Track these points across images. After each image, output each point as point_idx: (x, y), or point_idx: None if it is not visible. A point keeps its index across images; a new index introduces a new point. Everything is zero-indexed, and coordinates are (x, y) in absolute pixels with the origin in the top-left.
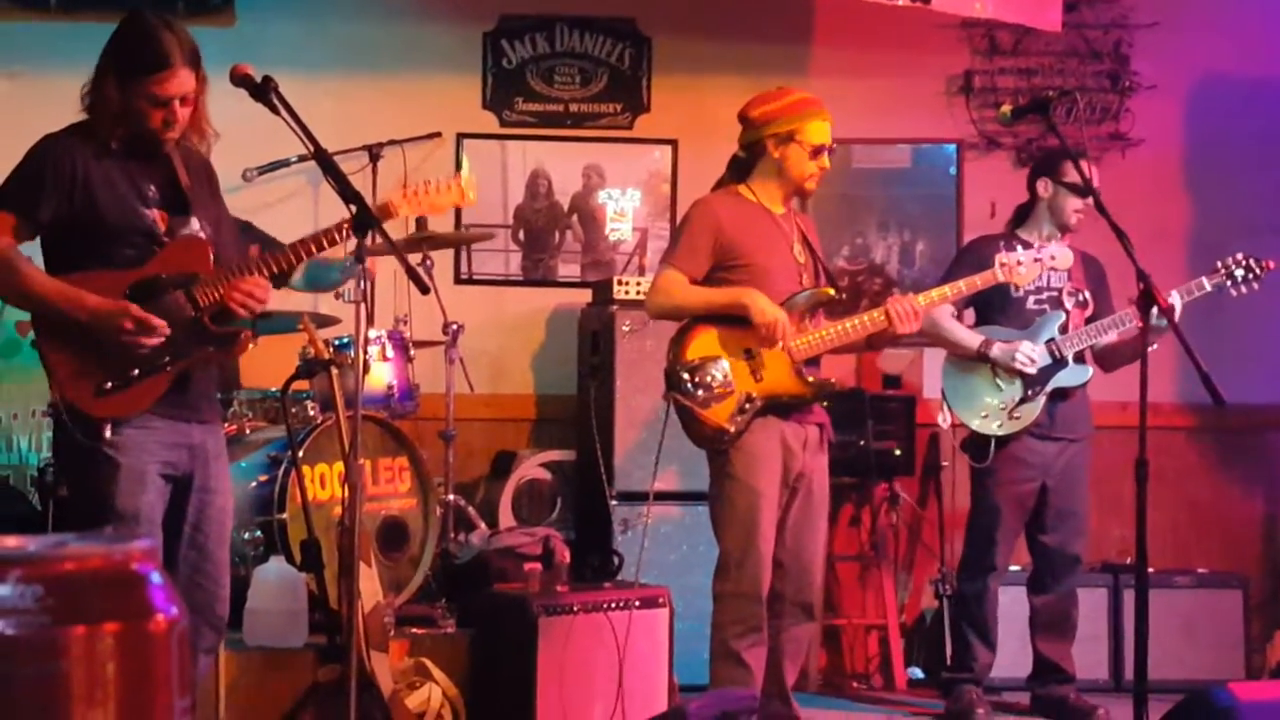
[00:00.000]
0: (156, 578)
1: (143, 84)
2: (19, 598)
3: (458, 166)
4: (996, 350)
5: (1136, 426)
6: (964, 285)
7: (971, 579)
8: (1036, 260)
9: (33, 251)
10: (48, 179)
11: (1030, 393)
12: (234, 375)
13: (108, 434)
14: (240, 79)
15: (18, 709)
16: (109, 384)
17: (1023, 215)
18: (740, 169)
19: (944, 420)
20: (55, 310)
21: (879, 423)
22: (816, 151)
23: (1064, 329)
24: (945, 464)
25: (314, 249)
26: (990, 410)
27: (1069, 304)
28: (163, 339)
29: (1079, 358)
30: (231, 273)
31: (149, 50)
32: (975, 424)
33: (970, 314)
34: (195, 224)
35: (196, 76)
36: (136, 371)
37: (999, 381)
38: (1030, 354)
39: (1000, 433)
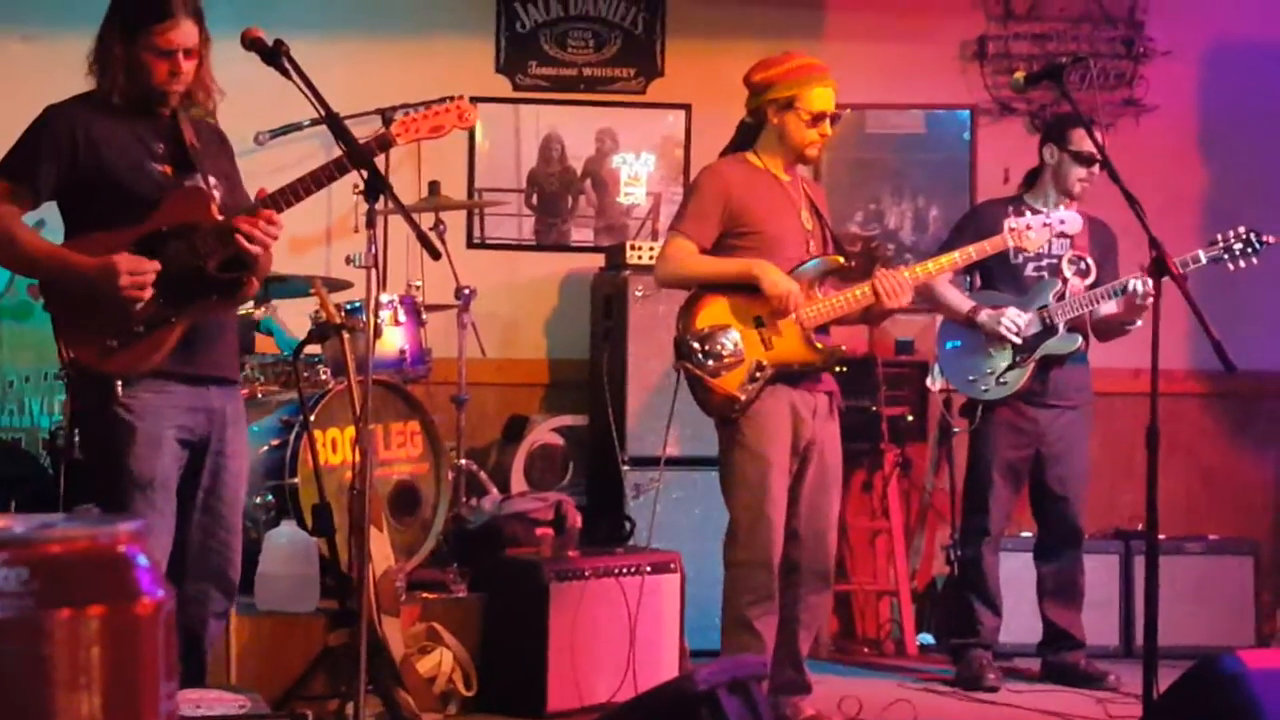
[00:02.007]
0: (143, 560)
1: (146, 35)
2: (3, 580)
3: (470, 131)
4: (983, 316)
5: (1148, 393)
6: (973, 251)
7: (967, 544)
8: (1046, 225)
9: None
10: (45, 147)
11: (1019, 359)
12: (248, 338)
13: (119, 391)
14: (252, 43)
15: (1, 693)
16: (113, 341)
17: (1031, 180)
18: (747, 135)
19: (933, 382)
20: (51, 272)
21: (891, 388)
22: (817, 119)
23: (1060, 296)
24: (957, 430)
25: (313, 187)
26: (978, 375)
27: (1068, 271)
28: (154, 278)
29: (1074, 325)
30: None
31: (151, 1)
32: (964, 388)
33: (979, 280)
34: (206, 180)
35: (200, 31)
36: (141, 328)
37: (990, 348)
38: (1016, 320)
39: (987, 398)
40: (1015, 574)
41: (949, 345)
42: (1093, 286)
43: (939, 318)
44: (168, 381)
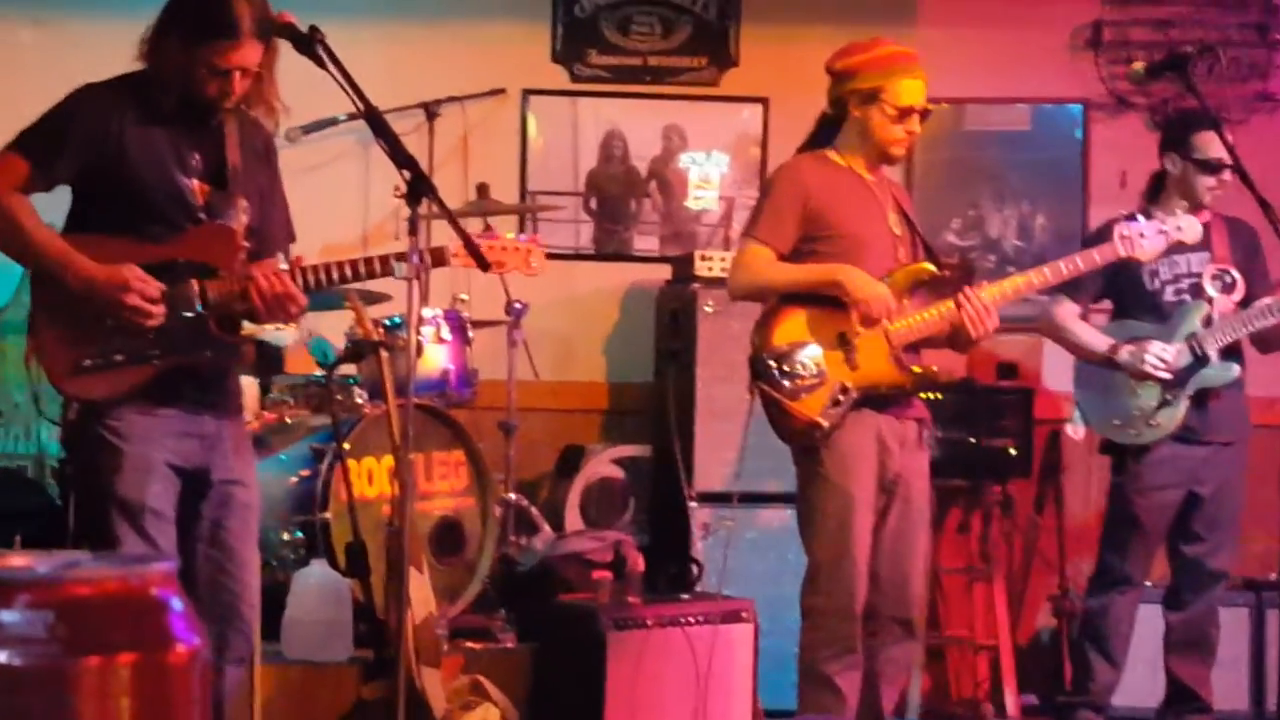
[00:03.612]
0: (177, 604)
1: (206, 51)
2: (27, 625)
3: (523, 127)
4: (1124, 354)
5: None
6: (1080, 262)
7: (1099, 591)
8: (1161, 232)
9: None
10: (72, 132)
11: (1169, 396)
12: (277, 359)
13: (72, 415)
14: (283, 29)
15: None
16: (87, 361)
17: (1156, 189)
18: (827, 129)
19: (1075, 430)
20: (51, 270)
21: (992, 417)
22: (904, 114)
23: (1207, 321)
24: (1068, 466)
25: (350, 276)
26: (1126, 418)
27: (1213, 289)
28: (158, 321)
29: (1228, 351)
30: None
31: (218, 16)
32: (1111, 434)
33: (1107, 309)
34: (238, 203)
35: (265, 48)
36: (120, 356)
37: (1135, 385)
38: (1162, 355)
39: (1139, 442)
40: (1136, 627)
41: (1087, 387)
42: (1244, 302)
43: (1041, 339)
44: (158, 405)
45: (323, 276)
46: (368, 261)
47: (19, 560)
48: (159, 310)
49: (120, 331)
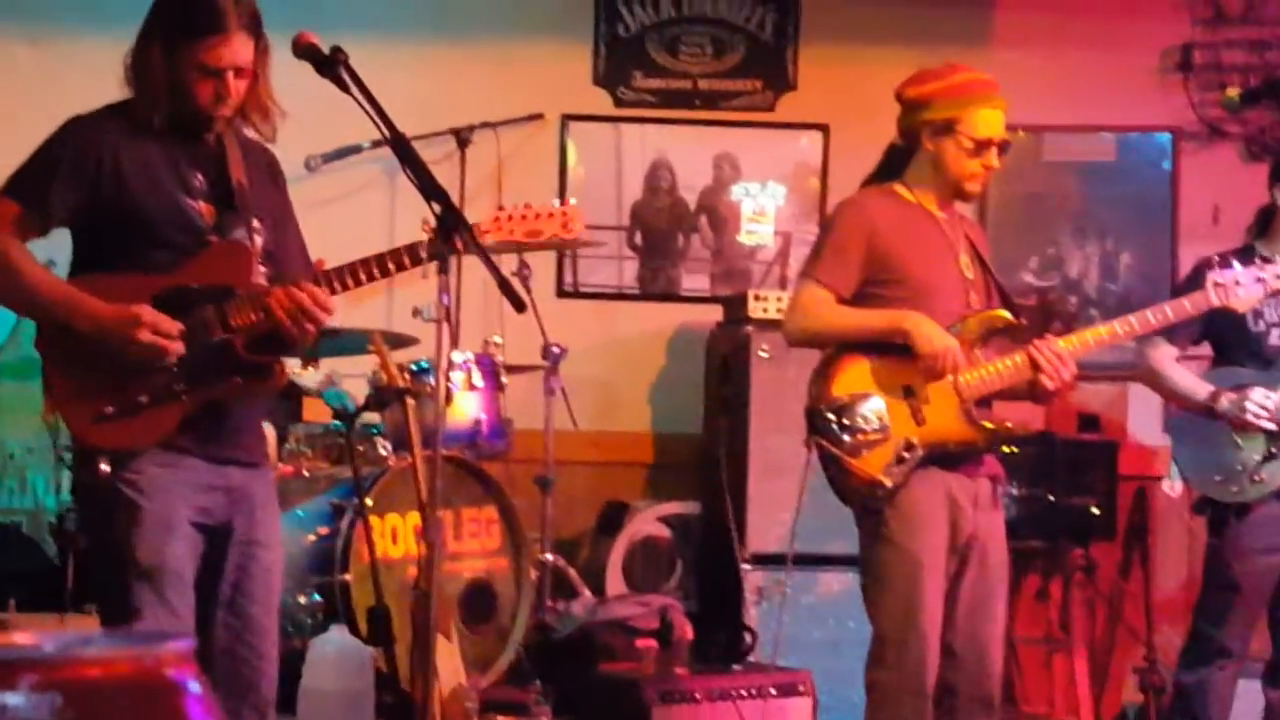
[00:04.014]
0: (194, 686)
1: (192, 50)
2: (32, 709)
3: (562, 155)
4: (1224, 402)
5: None
6: (1169, 311)
7: (1193, 665)
8: (1259, 280)
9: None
10: (64, 166)
11: (1275, 449)
12: (293, 402)
13: (104, 468)
14: (304, 49)
15: None
16: (109, 408)
17: (1264, 225)
18: (896, 161)
19: (1172, 486)
20: (57, 317)
21: (1073, 474)
22: (981, 146)
23: None
24: (1156, 526)
25: (377, 272)
26: (1227, 473)
27: None
28: (178, 354)
29: None
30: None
31: (200, 11)
32: (1211, 490)
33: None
34: (250, 223)
35: (256, 45)
36: (144, 398)
37: (1238, 437)
38: (1264, 404)
39: (1241, 499)
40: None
41: (1185, 439)
42: None
43: (1132, 386)
44: (180, 455)
45: (348, 278)
46: (394, 254)
47: (24, 637)
48: (176, 345)
49: (140, 371)
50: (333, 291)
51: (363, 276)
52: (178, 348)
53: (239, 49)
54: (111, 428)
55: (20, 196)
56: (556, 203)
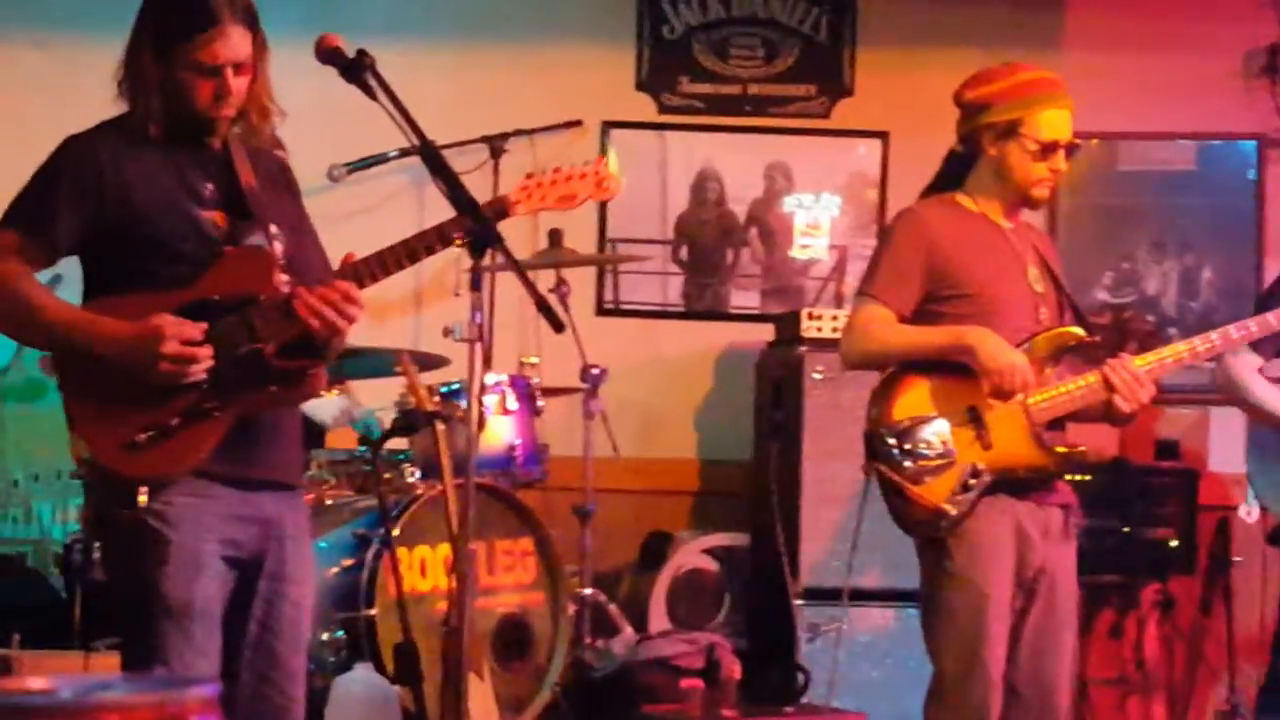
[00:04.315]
0: None
1: (185, 49)
2: None
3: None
4: None
5: None
6: (1252, 327)
7: (1274, 708)
8: None
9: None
10: (64, 191)
11: None
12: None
13: (142, 499)
14: (328, 53)
15: None
16: (140, 435)
17: None
18: (957, 169)
19: (1249, 513)
20: (73, 344)
21: (1149, 504)
22: (1046, 149)
23: None
24: (1238, 559)
25: (406, 260)
26: None
27: None
28: (208, 363)
29: None
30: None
31: (190, 6)
32: None
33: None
34: (267, 229)
35: (253, 38)
36: (176, 420)
37: None
38: None
39: None
40: None
41: (1265, 460)
42: None
43: (1214, 410)
44: (210, 483)
45: (376, 269)
46: (422, 237)
47: (40, 683)
48: (204, 353)
49: (168, 392)
50: (360, 285)
51: (391, 265)
52: (206, 354)
53: (235, 43)
54: (145, 455)
55: (21, 226)
56: (588, 162)
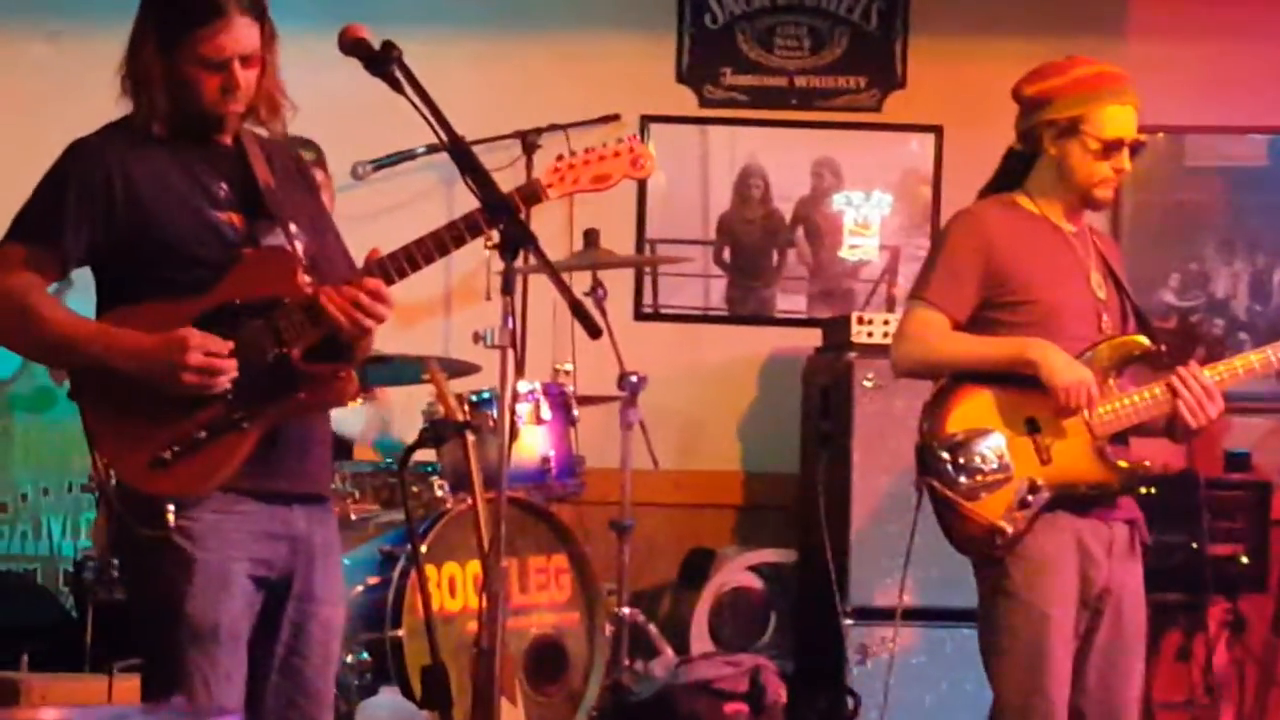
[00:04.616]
0: None
1: (189, 43)
2: None
3: (640, 184)
4: None
5: None
6: None
7: None
8: None
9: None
10: (72, 199)
11: None
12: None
13: (172, 519)
14: (353, 45)
15: None
16: (166, 452)
17: None
18: (1017, 168)
19: None
20: (92, 359)
21: (1218, 518)
22: (1110, 148)
23: None
24: None
25: (435, 252)
26: None
27: None
28: (233, 376)
29: None
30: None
31: None
32: None
33: None
34: (286, 228)
35: (261, 29)
36: (203, 433)
37: None
38: None
39: None
40: None
41: None
42: None
43: None
44: (239, 498)
45: (404, 264)
46: (451, 228)
47: (53, 714)
48: (230, 363)
49: (193, 404)
50: (388, 281)
51: (420, 259)
52: (232, 366)
53: (242, 35)
54: (174, 472)
55: (29, 239)
56: (620, 139)
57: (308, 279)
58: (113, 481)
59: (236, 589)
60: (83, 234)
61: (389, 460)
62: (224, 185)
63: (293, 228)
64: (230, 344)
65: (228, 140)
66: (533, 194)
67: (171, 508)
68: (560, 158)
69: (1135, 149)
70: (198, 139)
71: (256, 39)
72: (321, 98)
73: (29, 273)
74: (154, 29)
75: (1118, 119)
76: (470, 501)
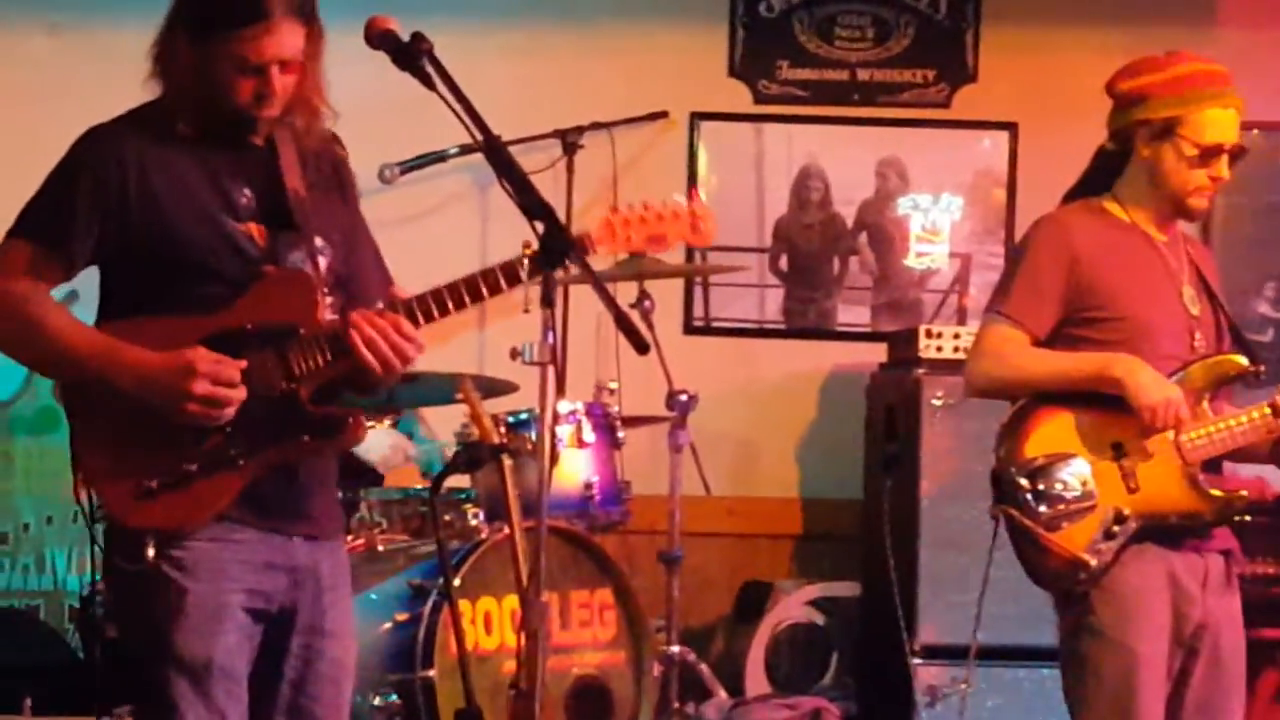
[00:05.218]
0: None
1: (227, 42)
2: None
3: (691, 161)
4: None
5: None
6: None
7: None
8: None
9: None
10: (83, 195)
11: None
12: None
13: (151, 554)
14: (379, 37)
15: None
16: (153, 482)
17: None
18: (1107, 170)
19: None
20: (89, 369)
21: None
22: (1207, 154)
23: None
24: None
25: (467, 296)
26: None
27: None
28: (233, 411)
29: None
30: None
31: None
32: None
33: None
34: (312, 244)
35: (307, 32)
36: (194, 466)
37: None
38: None
39: None
40: None
41: None
42: None
43: None
44: (234, 526)
45: (433, 307)
46: (487, 275)
47: None
48: (238, 395)
49: (186, 433)
50: (415, 324)
51: (450, 304)
52: (239, 397)
53: (285, 39)
54: (157, 505)
55: (34, 236)
56: (682, 199)
57: (329, 307)
58: (92, 504)
59: (230, 622)
60: (93, 230)
61: (419, 487)
62: (247, 192)
63: (319, 242)
64: (242, 365)
65: (259, 141)
66: (581, 244)
67: (151, 542)
68: (614, 210)
69: (1235, 155)
70: (225, 139)
71: (300, 43)
72: (345, 94)
73: (32, 275)
74: (190, 18)
75: (1217, 123)
76: (507, 531)
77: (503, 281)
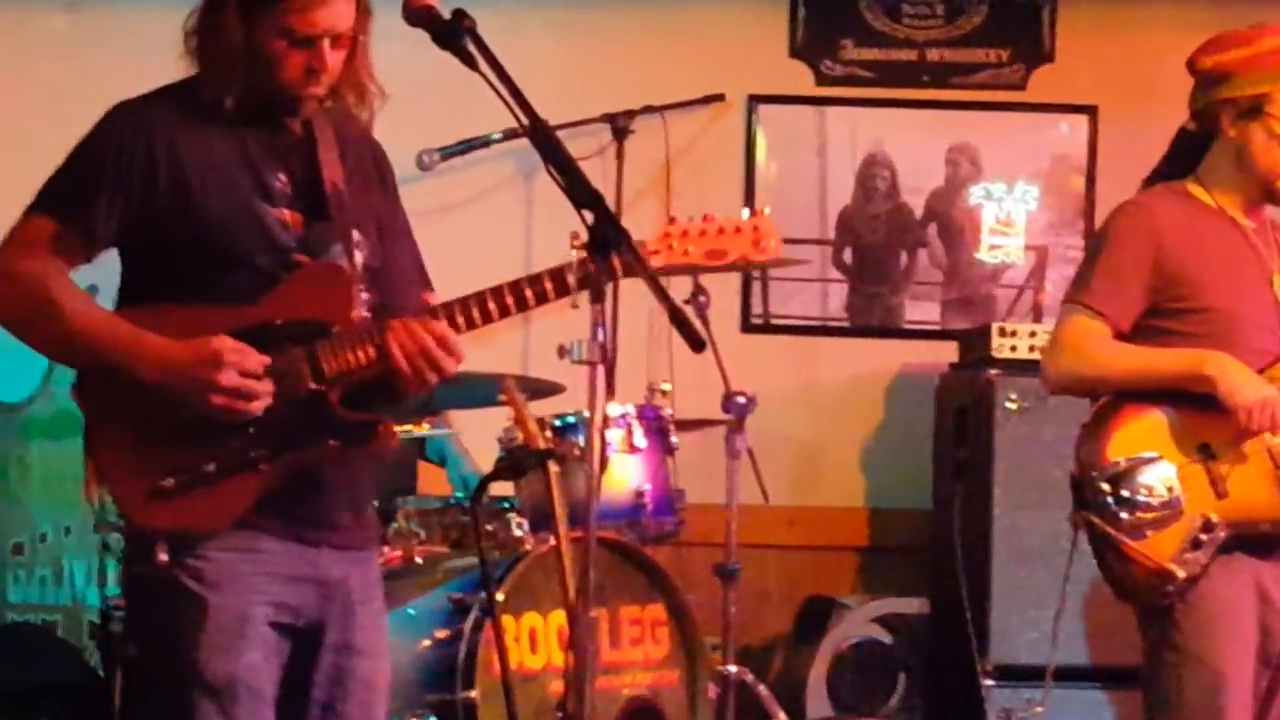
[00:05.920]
0: None
1: (278, 12)
2: None
3: (749, 148)
4: None
5: None
6: None
7: None
8: None
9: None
10: (108, 170)
11: None
12: (405, 470)
13: (162, 557)
14: (419, 14)
15: None
16: (169, 480)
17: None
18: (1191, 152)
19: None
20: (110, 357)
21: None
22: None
23: None
24: None
25: (512, 304)
26: None
27: None
28: (261, 408)
29: None
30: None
31: None
32: None
33: None
34: (348, 235)
35: (357, 5)
36: (212, 465)
37: None
38: None
39: None
40: None
41: None
42: None
43: None
44: (258, 534)
45: (476, 313)
46: (534, 281)
47: None
48: (265, 388)
49: (207, 431)
50: (455, 328)
51: (493, 311)
52: (267, 390)
53: (338, 10)
54: (171, 505)
55: (56, 212)
56: (746, 213)
57: (365, 296)
58: (103, 506)
59: (255, 637)
60: (116, 207)
61: (461, 495)
62: (283, 177)
63: (355, 235)
64: (267, 360)
65: (297, 125)
66: (636, 258)
67: (163, 546)
68: (672, 221)
69: None
70: (264, 121)
71: (352, 16)
72: (382, 75)
73: (52, 255)
74: None
75: None
76: (553, 542)
77: (550, 290)
